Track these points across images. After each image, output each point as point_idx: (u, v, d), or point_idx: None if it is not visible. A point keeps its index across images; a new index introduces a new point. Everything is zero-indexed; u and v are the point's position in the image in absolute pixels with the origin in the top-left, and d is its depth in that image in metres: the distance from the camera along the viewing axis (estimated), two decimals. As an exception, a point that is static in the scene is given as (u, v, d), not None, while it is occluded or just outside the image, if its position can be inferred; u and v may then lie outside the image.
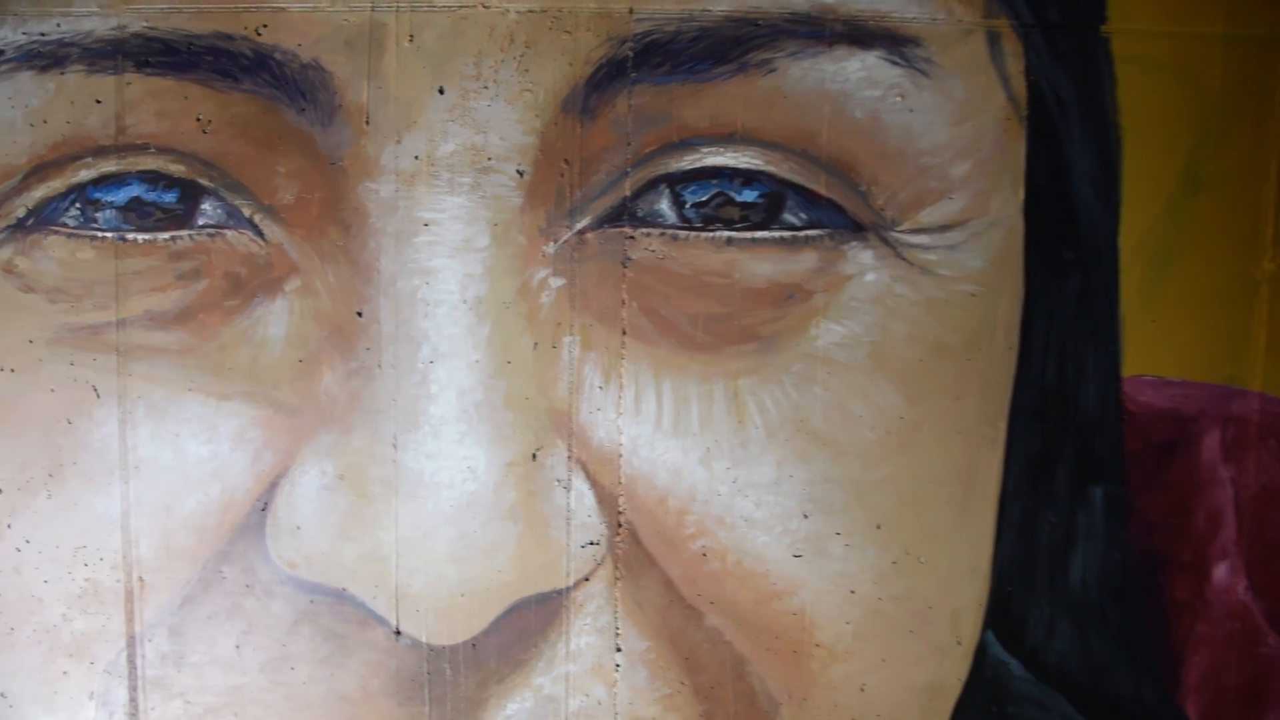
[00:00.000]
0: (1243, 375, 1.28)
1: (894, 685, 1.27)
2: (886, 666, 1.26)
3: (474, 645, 1.27)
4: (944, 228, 1.20)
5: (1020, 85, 1.21)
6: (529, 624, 1.27)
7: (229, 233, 1.21)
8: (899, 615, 1.26)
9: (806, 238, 1.20)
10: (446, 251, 1.20)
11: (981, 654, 1.28)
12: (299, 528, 1.24)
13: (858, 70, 1.19)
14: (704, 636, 1.26)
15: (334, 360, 1.23)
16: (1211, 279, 1.26)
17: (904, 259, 1.20)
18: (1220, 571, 1.29)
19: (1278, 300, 1.27)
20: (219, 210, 1.21)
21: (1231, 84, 1.24)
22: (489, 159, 1.20)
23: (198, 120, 1.20)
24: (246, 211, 1.20)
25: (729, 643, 1.27)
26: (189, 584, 1.28)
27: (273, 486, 1.24)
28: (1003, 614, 1.28)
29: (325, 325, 1.22)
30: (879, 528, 1.24)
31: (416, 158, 1.20)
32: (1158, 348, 1.26)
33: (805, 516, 1.23)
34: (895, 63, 1.19)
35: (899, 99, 1.19)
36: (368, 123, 1.19)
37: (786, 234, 1.20)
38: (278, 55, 1.18)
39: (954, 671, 1.28)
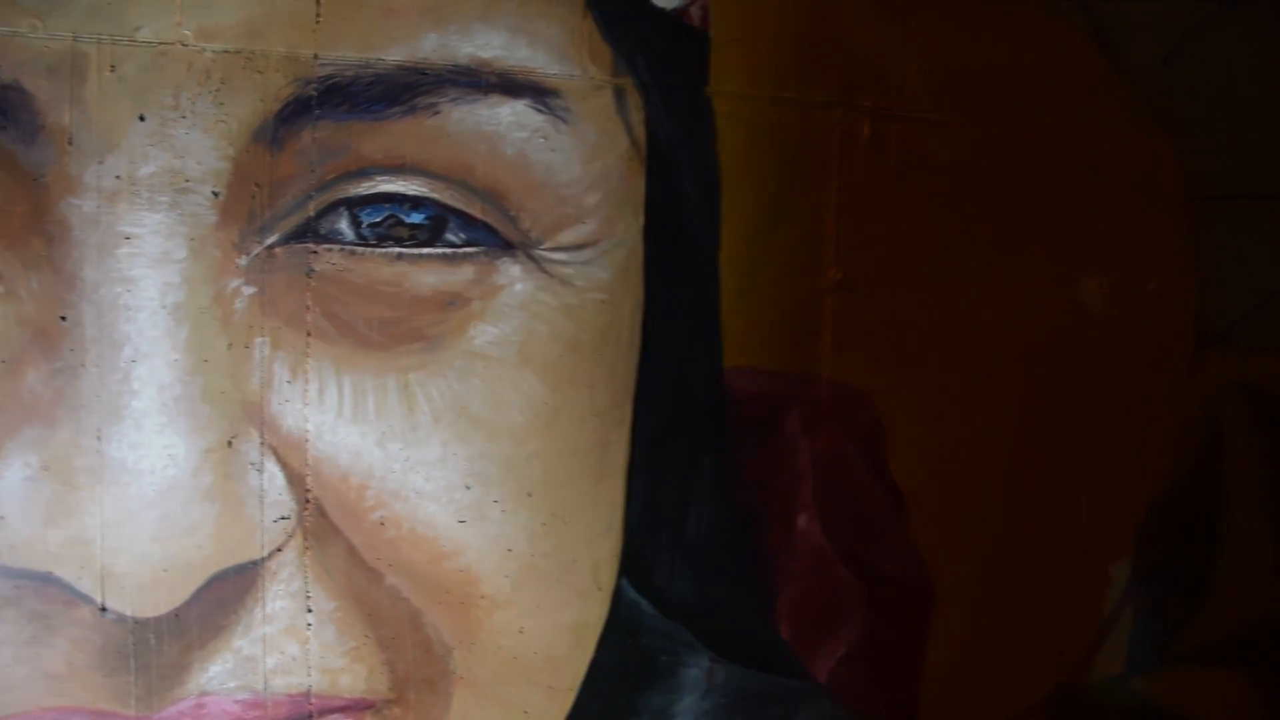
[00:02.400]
0: (815, 365, 1.57)
1: (547, 626, 1.46)
2: (540, 611, 1.45)
3: (176, 615, 1.36)
4: (579, 247, 1.41)
5: (641, 132, 1.44)
6: (228, 593, 1.37)
7: (-70, 241, 1.25)
8: (549, 568, 1.45)
9: (465, 254, 1.37)
10: (146, 262, 1.30)
11: (618, 597, 1.49)
12: (3, 518, 1.30)
13: (509, 115, 1.39)
14: (384, 595, 1.40)
15: (38, 361, 1.29)
16: (790, 289, 1.55)
17: (546, 272, 1.40)
18: (803, 520, 1.58)
19: (839, 307, 1.58)
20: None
21: (803, 137, 1.54)
22: (186, 181, 1.31)
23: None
24: (-49, 223, 1.25)
25: (406, 599, 1.40)
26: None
27: (-25, 482, 1.28)
28: (634, 563, 1.49)
29: (29, 329, 1.29)
30: (530, 495, 1.43)
31: (118, 177, 1.28)
32: (750, 345, 1.53)
33: (468, 488, 1.41)
34: (539, 110, 1.40)
35: (543, 140, 1.40)
36: (70, 144, 1.27)
37: (448, 250, 1.37)
38: (-25, 75, 1.22)
39: (596, 612, 1.49)
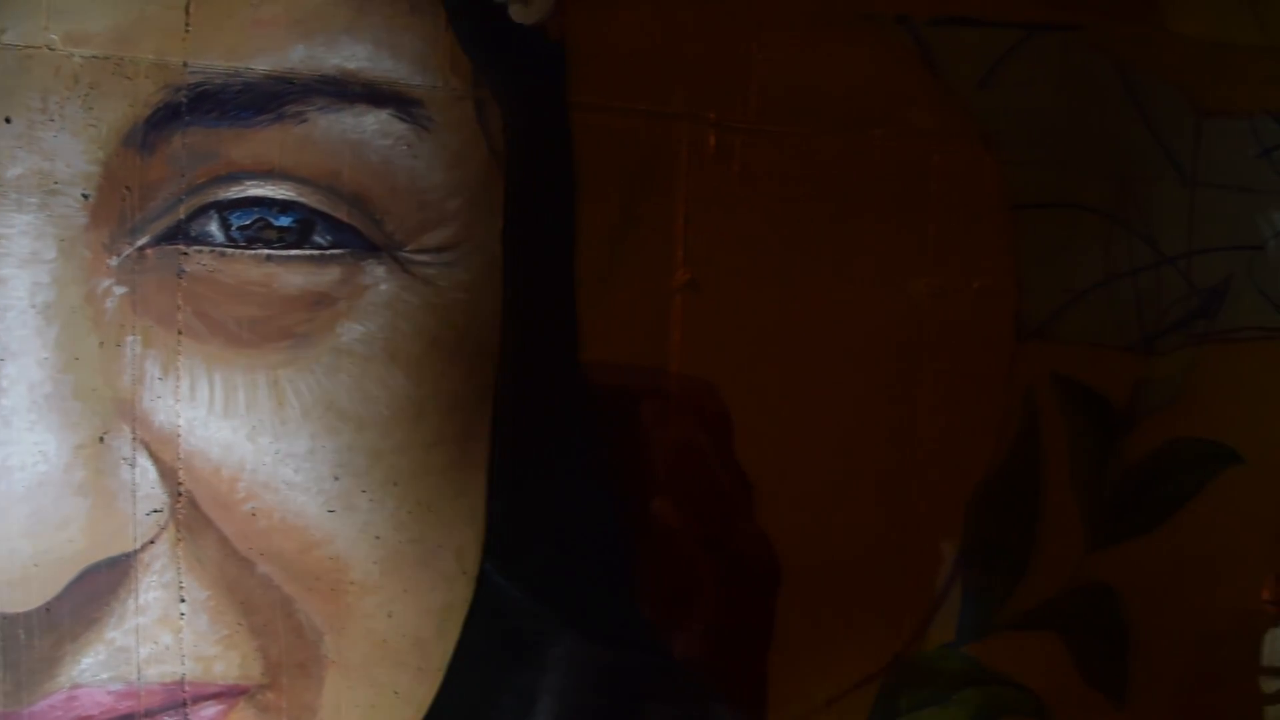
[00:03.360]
0: (665, 359, 1.68)
1: (415, 609, 1.52)
2: (408, 595, 1.52)
3: (48, 610, 1.38)
4: (441, 249, 1.49)
5: (500, 141, 1.52)
6: (100, 586, 1.39)
7: None
8: (415, 554, 1.51)
9: (332, 255, 1.43)
10: (16, 262, 1.32)
11: (483, 580, 1.56)
12: None
13: (373, 124, 1.45)
14: (257, 583, 1.44)
15: (-94, 360, 1.30)
16: (643, 289, 1.65)
17: (410, 273, 1.47)
18: (659, 505, 1.69)
19: (688, 305, 1.69)
20: None
21: (653, 147, 1.65)
22: (55, 183, 1.33)
23: None
24: None
25: (278, 586, 1.45)
26: None
27: None
28: (498, 547, 1.56)
29: (-103, 328, 1.30)
30: (396, 485, 1.49)
31: (-15, 179, 1.30)
32: (605, 340, 1.62)
33: (336, 479, 1.46)
34: (403, 119, 1.46)
35: (406, 148, 1.47)
36: (-66, 145, 1.28)
37: (316, 252, 1.42)
38: None
39: (461, 595, 1.55)
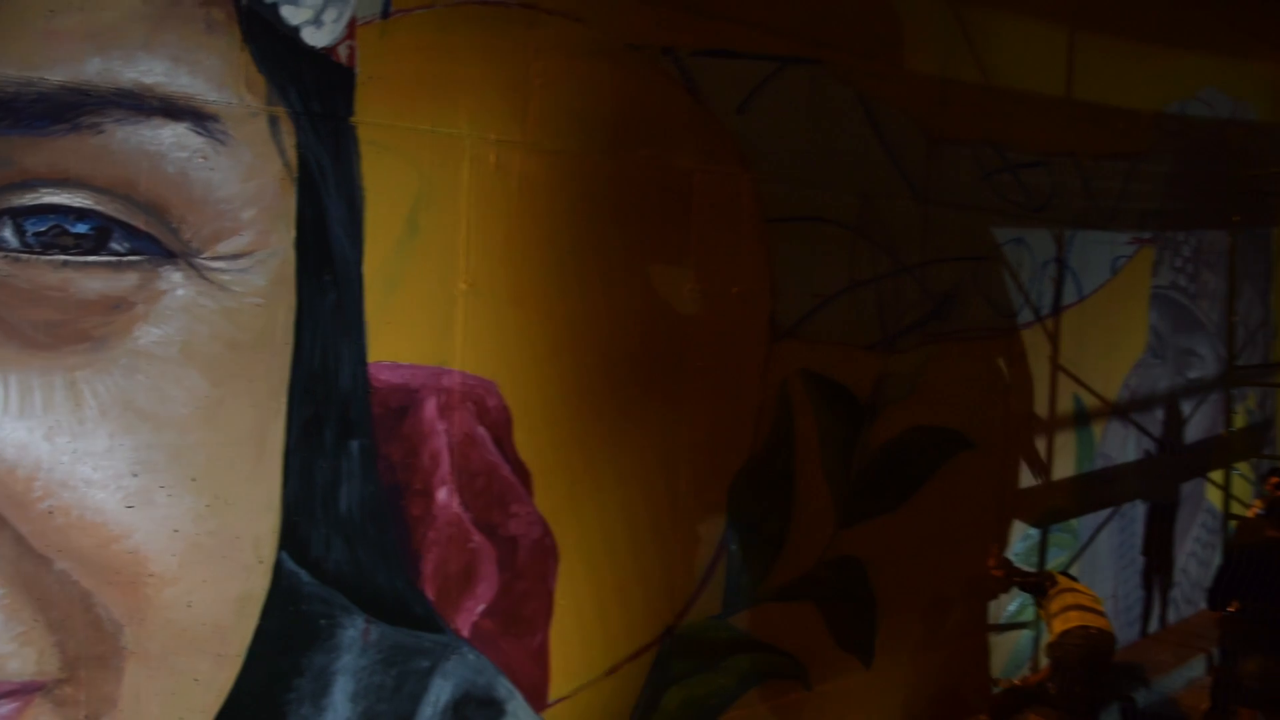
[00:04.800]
0: (448, 359, 1.80)
1: (214, 599, 1.59)
2: (207, 585, 1.58)
3: None
4: (236, 256, 1.56)
5: (293, 155, 1.61)
6: None
7: None
8: (214, 545, 1.58)
9: (130, 262, 1.49)
10: None
11: (279, 569, 1.63)
12: None
13: (170, 136, 1.51)
14: (54, 579, 1.47)
15: None
16: (428, 294, 1.77)
17: (206, 279, 1.54)
18: (441, 494, 1.79)
19: (469, 309, 1.81)
20: None
21: (436, 163, 1.76)
22: None
23: None
24: None
25: (76, 581, 1.48)
26: None
27: None
28: (292, 537, 1.65)
29: None
30: (194, 480, 1.56)
31: None
32: (392, 342, 1.73)
33: (135, 475, 1.51)
34: (199, 133, 1.53)
35: (202, 160, 1.54)
36: None
37: (113, 259, 1.48)
38: None
39: (259, 584, 1.63)
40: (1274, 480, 3.37)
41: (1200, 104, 3.93)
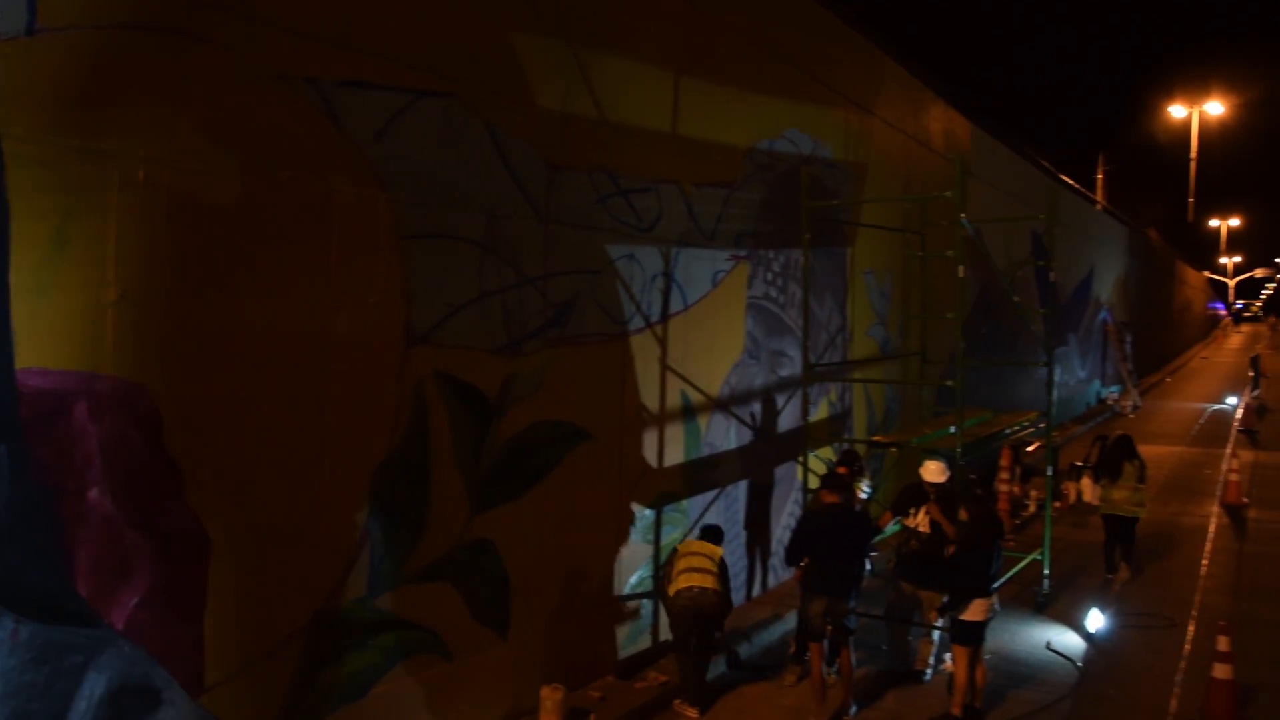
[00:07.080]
0: (100, 364, 1.89)
1: None
2: None
3: None
4: None
5: None
6: None
7: None
8: None
9: None
10: None
11: None
12: None
13: None
14: None
15: None
16: (78, 303, 1.85)
17: None
18: (94, 494, 1.87)
19: (120, 317, 1.90)
20: None
21: (85, 178, 1.84)
22: None
23: None
24: None
25: None
26: None
27: None
28: None
29: None
30: None
31: None
32: (41, 349, 1.80)
33: None
34: None
35: None
36: None
37: None
38: None
39: None
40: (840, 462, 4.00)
41: (786, 142, 4.55)
